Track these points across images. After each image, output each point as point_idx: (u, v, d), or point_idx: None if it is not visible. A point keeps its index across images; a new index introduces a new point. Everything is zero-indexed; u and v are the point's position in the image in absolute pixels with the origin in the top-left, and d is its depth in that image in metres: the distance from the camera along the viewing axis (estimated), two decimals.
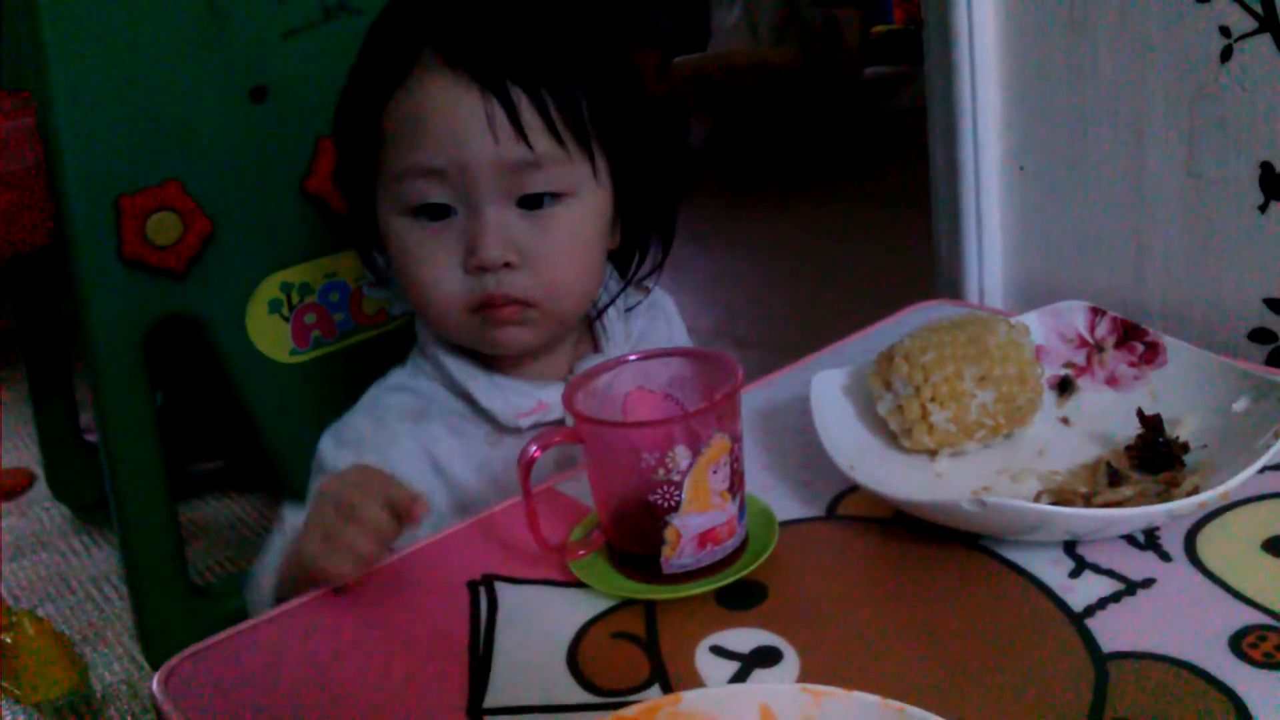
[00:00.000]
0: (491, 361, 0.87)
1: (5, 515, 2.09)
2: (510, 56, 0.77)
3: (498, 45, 0.78)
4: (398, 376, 0.91)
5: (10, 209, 1.27)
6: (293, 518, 0.77)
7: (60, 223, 1.26)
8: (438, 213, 0.80)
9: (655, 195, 0.88)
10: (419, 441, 0.86)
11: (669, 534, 0.65)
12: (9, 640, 1.52)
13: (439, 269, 0.81)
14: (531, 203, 0.80)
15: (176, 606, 1.43)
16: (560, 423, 0.85)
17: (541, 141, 0.78)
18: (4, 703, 1.53)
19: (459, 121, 0.77)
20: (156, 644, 1.44)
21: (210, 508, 2.01)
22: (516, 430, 0.86)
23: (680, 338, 0.99)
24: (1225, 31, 0.90)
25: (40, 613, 1.67)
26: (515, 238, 0.79)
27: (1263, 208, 0.93)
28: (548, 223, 0.80)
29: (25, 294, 1.91)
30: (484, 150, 0.77)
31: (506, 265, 0.79)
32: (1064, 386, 0.82)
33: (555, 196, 0.80)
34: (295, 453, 1.40)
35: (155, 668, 0.66)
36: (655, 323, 0.95)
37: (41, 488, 2.12)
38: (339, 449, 0.86)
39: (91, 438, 1.93)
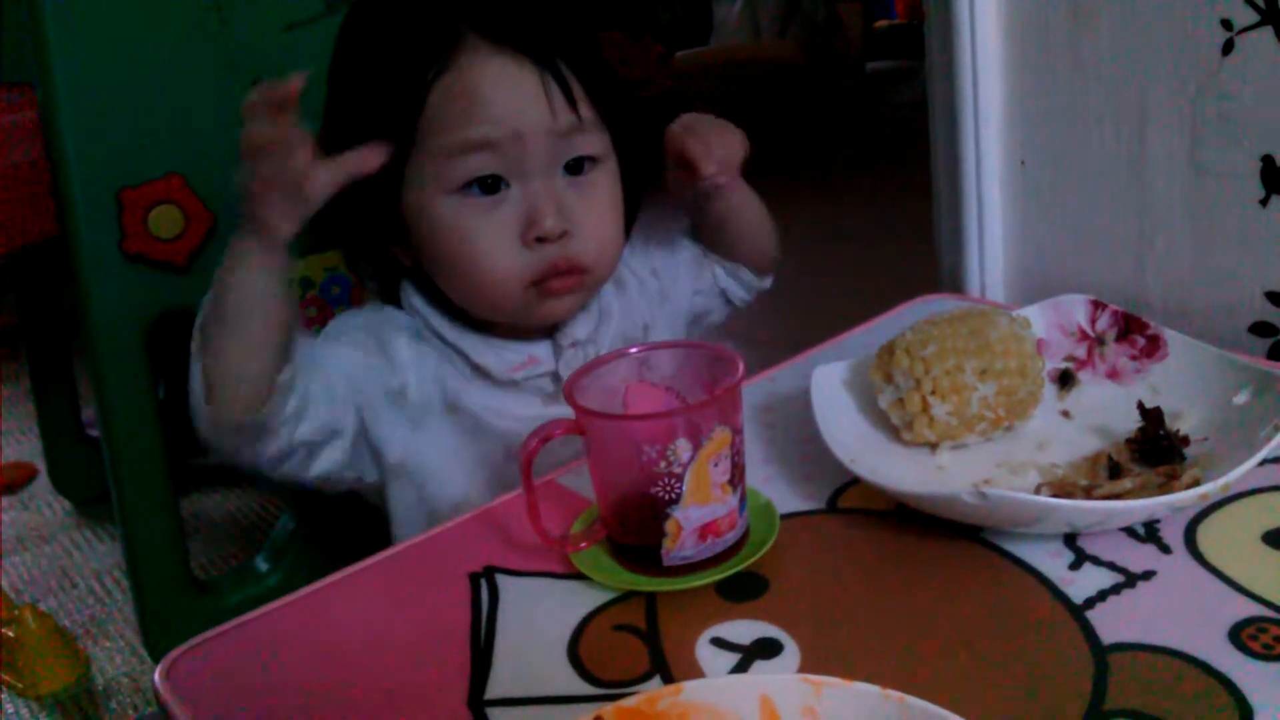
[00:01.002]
0: (480, 325, 0.89)
1: (7, 509, 2.09)
2: (552, 33, 0.82)
3: (539, 23, 0.82)
4: (379, 307, 0.92)
5: (12, 202, 1.27)
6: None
7: (62, 216, 1.26)
8: (489, 187, 0.81)
9: (636, 160, 0.91)
10: (418, 352, 0.88)
11: (670, 526, 0.65)
12: (11, 634, 1.52)
13: (496, 243, 0.82)
14: (574, 168, 0.83)
15: (178, 600, 1.43)
16: (553, 375, 0.89)
17: (583, 108, 0.82)
18: (6, 696, 1.53)
19: (517, 95, 0.80)
20: (158, 637, 1.44)
21: (212, 502, 2.01)
22: (507, 384, 0.88)
23: (633, 258, 0.98)
24: (1227, 25, 0.90)
25: (42, 606, 1.68)
26: (566, 205, 0.82)
27: (1264, 201, 0.93)
28: (589, 188, 0.84)
29: (27, 288, 1.91)
30: (541, 119, 0.80)
31: (563, 234, 0.82)
32: (1065, 380, 0.82)
33: (593, 161, 0.84)
34: None
35: (157, 661, 0.66)
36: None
37: (43, 481, 2.13)
38: (349, 321, 0.89)
39: (93, 432, 1.94)
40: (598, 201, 0.85)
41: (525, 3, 0.84)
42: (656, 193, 0.93)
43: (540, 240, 0.82)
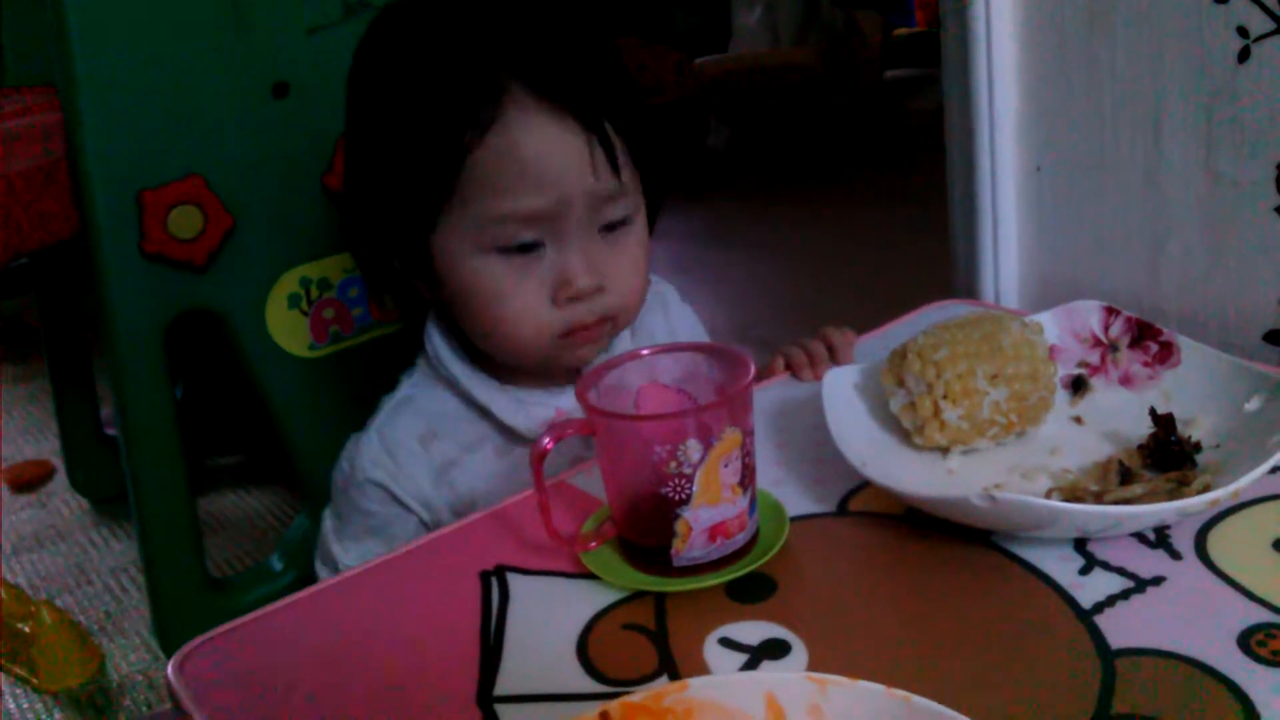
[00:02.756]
0: (505, 375, 0.88)
1: (25, 507, 2.11)
2: (602, 94, 0.79)
3: (588, 80, 0.79)
4: (407, 388, 0.91)
5: (33, 203, 1.28)
6: (341, 556, 0.87)
7: (83, 216, 1.27)
8: (526, 248, 0.80)
9: (659, 199, 0.90)
10: (429, 463, 0.88)
11: (680, 527, 0.66)
12: (28, 630, 1.53)
13: (528, 302, 0.81)
14: (609, 227, 0.82)
15: (193, 599, 1.44)
16: None
17: (625, 171, 0.80)
18: (22, 691, 1.54)
19: (564, 160, 0.78)
20: (173, 635, 1.45)
21: (228, 501, 2.02)
22: (526, 441, 0.87)
23: (682, 326, 1.00)
24: (1243, 32, 0.90)
25: (59, 603, 1.69)
26: (598, 261, 0.81)
27: (1279, 209, 0.93)
28: (621, 244, 0.83)
29: (48, 287, 1.92)
30: (584, 184, 0.79)
31: (596, 290, 0.81)
32: (1077, 385, 0.82)
33: (624, 222, 0.83)
34: (313, 447, 1.41)
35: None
36: (652, 314, 0.96)
37: (62, 480, 2.14)
38: (359, 490, 0.88)
39: (112, 431, 1.95)
40: (629, 256, 0.84)
41: (573, 55, 0.80)
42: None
43: (571, 300, 0.81)
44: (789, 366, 0.94)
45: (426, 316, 0.91)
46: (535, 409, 0.87)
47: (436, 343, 0.89)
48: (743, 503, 0.67)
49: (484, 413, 0.88)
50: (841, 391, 0.81)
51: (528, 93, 0.77)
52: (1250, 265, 0.96)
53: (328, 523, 0.91)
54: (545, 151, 0.77)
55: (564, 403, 0.88)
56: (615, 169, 0.79)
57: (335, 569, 0.88)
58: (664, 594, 0.67)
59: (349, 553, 0.88)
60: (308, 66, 1.33)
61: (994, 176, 1.10)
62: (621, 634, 0.64)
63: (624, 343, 0.91)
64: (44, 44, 1.26)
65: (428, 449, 0.88)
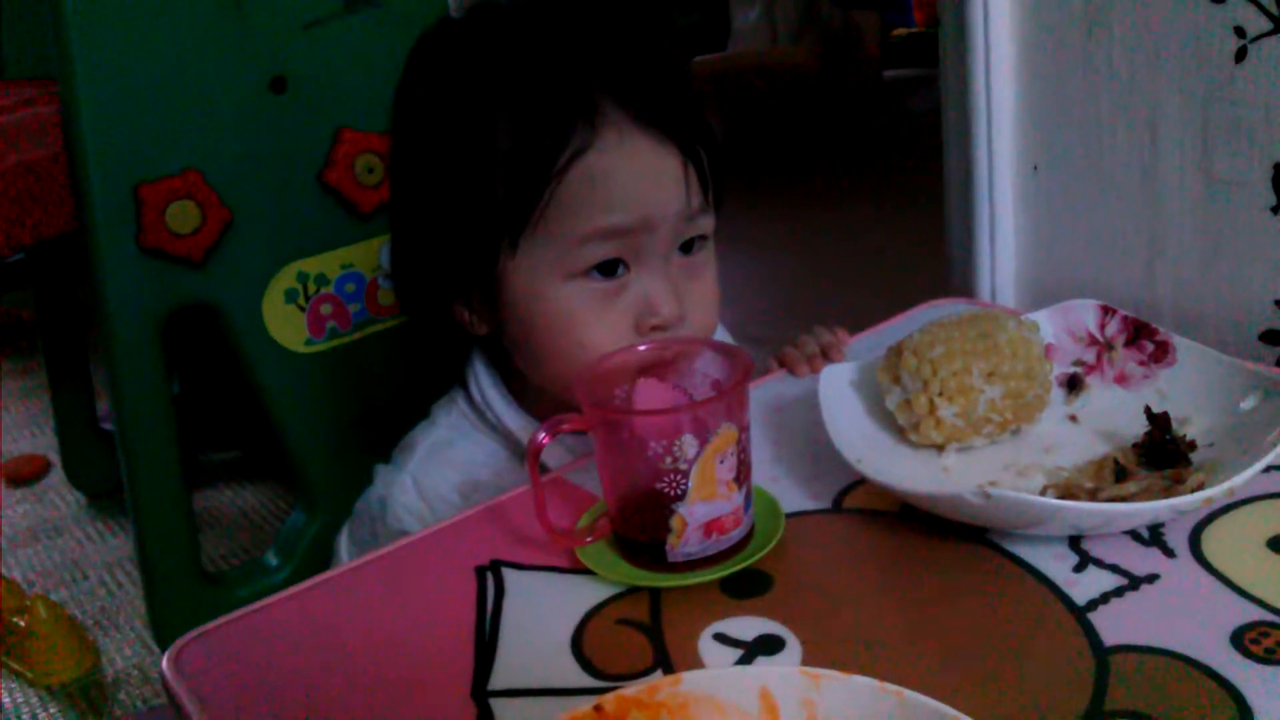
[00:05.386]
0: (535, 407, 0.86)
1: (21, 501, 2.11)
2: (694, 116, 0.78)
3: (684, 105, 0.77)
4: (445, 429, 0.88)
5: (30, 196, 1.28)
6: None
7: (80, 210, 1.27)
8: (607, 269, 0.77)
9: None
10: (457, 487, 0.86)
11: (675, 522, 0.66)
12: (22, 624, 1.53)
13: (609, 330, 0.78)
14: (686, 247, 0.80)
15: (188, 594, 1.44)
16: None
17: (711, 189, 0.79)
18: (16, 685, 1.54)
19: (660, 183, 0.76)
20: (168, 630, 1.45)
21: (224, 497, 2.02)
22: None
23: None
24: (1240, 32, 0.90)
25: (54, 597, 1.69)
26: (681, 291, 0.79)
27: (1275, 209, 0.93)
28: (700, 268, 0.82)
29: (44, 281, 1.92)
30: (677, 206, 0.77)
31: (678, 319, 0.79)
32: (1073, 384, 0.83)
33: (702, 240, 0.82)
34: (310, 443, 1.41)
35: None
36: None
37: (57, 474, 2.14)
38: (390, 536, 0.84)
39: (107, 425, 1.95)
40: (708, 282, 0.82)
41: (664, 76, 0.78)
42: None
43: (654, 329, 0.78)
44: (782, 364, 0.94)
45: (470, 353, 0.88)
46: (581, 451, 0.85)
47: (484, 384, 0.86)
48: (738, 499, 0.67)
49: (500, 434, 0.86)
50: (837, 388, 0.81)
51: (623, 114, 0.75)
52: (1246, 265, 0.96)
53: (344, 549, 0.88)
54: (643, 173, 0.75)
55: None
56: (705, 190, 0.78)
57: None
58: (659, 589, 0.67)
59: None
60: (306, 61, 1.33)
61: (991, 176, 1.10)
62: (616, 629, 0.64)
63: None
64: (42, 37, 1.26)
65: (467, 501, 0.85)
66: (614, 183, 0.74)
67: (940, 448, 0.78)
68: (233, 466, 2.10)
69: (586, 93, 0.74)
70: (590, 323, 0.78)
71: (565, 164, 0.74)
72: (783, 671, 0.46)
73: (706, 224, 0.81)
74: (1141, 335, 0.82)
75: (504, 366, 0.87)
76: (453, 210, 0.79)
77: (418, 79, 0.81)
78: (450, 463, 0.87)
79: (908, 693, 0.44)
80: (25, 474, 2.19)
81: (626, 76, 0.75)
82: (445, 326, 0.84)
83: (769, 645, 0.61)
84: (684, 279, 0.80)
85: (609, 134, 0.74)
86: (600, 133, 0.74)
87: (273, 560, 1.53)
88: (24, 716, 1.49)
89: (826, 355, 0.92)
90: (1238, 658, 0.56)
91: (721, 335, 1.04)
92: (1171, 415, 0.73)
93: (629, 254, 0.77)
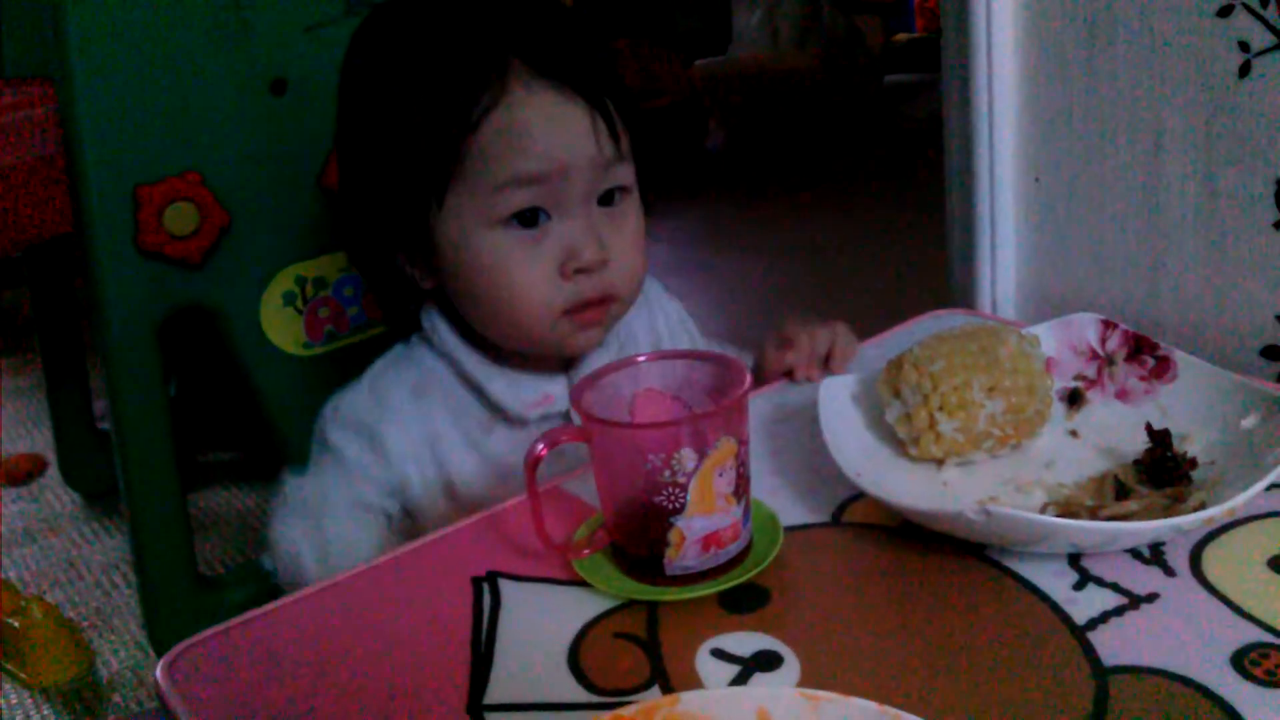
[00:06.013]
0: (502, 357, 0.89)
1: (17, 500, 2.10)
2: (597, 69, 0.83)
3: (588, 57, 0.83)
4: (400, 349, 0.92)
5: (28, 196, 1.27)
6: (294, 489, 0.87)
7: (78, 211, 1.27)
8: (528, 220, 0.81)
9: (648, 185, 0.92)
10: (419, 418, 0.88)
11: (673, 536, 0.65)
12: (17, 624, 1.52)
13: (535, 275, 0.82)
14: (606, 199, 0.84)
15: (184, 596, 1.44)
16: (566, 414, 0.88)
17: (623, 140, 0.83)
18: (11, 686, 1.54)
19: (569, 130, 0.80)
20: (163, 632, 1.45)
21: (220, 499, 2.02)
22: (519, 422, 0.88)
23: (666, 321, 1.00)
24: (1244, 46, 0.90)
25: (49, 598, 1.68)
26: (602, 235, 0.83)
27: (1278, 224, 0.93)
28: (621, 218, 0.85)
29: (42, 281, 1.92)
30: (588, 153, 0.81)
31: (602, 264, 0.83)
32: (1073, 399, 0.82)
33: (624, 191, 0.85)
34: (306, 446, 1.40)
35: (161, 655, 0.66)
36: (635, 313, 0.95)
37: (53, 474, 2.14)
38: (341, 430, 0.89)
39: (104, 425, 1.95)
40: (630, 230, 0.85)
41: (571, 35, 0.84)
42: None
43: (579, 271, 0.82)
44: (784, 349, 0.94)
45: (420, 311, 0.91)
46: (526, 391, 0.88)
47: (435, 320, 0.90)
48: (737, 512, 0.67)
49: (472, 388, 0.89)
50: (837, 401, 0.80)
51: (530, 71, 0.80)
52: (1248, 280, 0.96)
53: (279, 531, 0.90)
54: (550, 121, 0.80)
55: (554, 388, 0.89)
56: (615, 137, 0.82)
57: (283, 511, 0.89)
58: (656, 603, 0.66)
59: (304, 487, 0.89)
60: (307, 64, 1.33)
61: (992, 186, 1.10)
62: (613, 643, 0.64)
63: (611, 342, 0.91)
64: (42, 37, 1.26)
65: (417, 402, 0.88)
66: (523, 132, 0.79)
67: (940, 462, 0.77)
68: (229, 469, 2.09)
69: (495, 53, 0.80)
70: (515, 267, 0.82)
71: (478, 118, 0.79)
72: (782, 693, 0.46)
73: (624, 174, 0.85)
74: (1143, 350, 0.82)
75: (458, 320, 0.90)
76: (384, 169, 0.84)
77: (356, 46, 0.88)
78: (403, 366, 0.91)
79: (907, 716, 0.43)
80: (21, 473, 2.19)
81: (532, 36, 0.81)
82: (395, 281, 0.89)
83: (766, 661, 0.61)
84: (606, 226, 0.84)
85: (517, 89, 0.79)
86: (509, 88, 0.79)
87: (268, 564, 1.52)
88: (18, 718, 1.49)
89: (830, 364, 0.92)
90: (1238, 680, 0.56)
91: (717, 340, 1.04)
92: (1172, 432, 0.73)
93: (548, 202, 0.81)
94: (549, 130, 0.80)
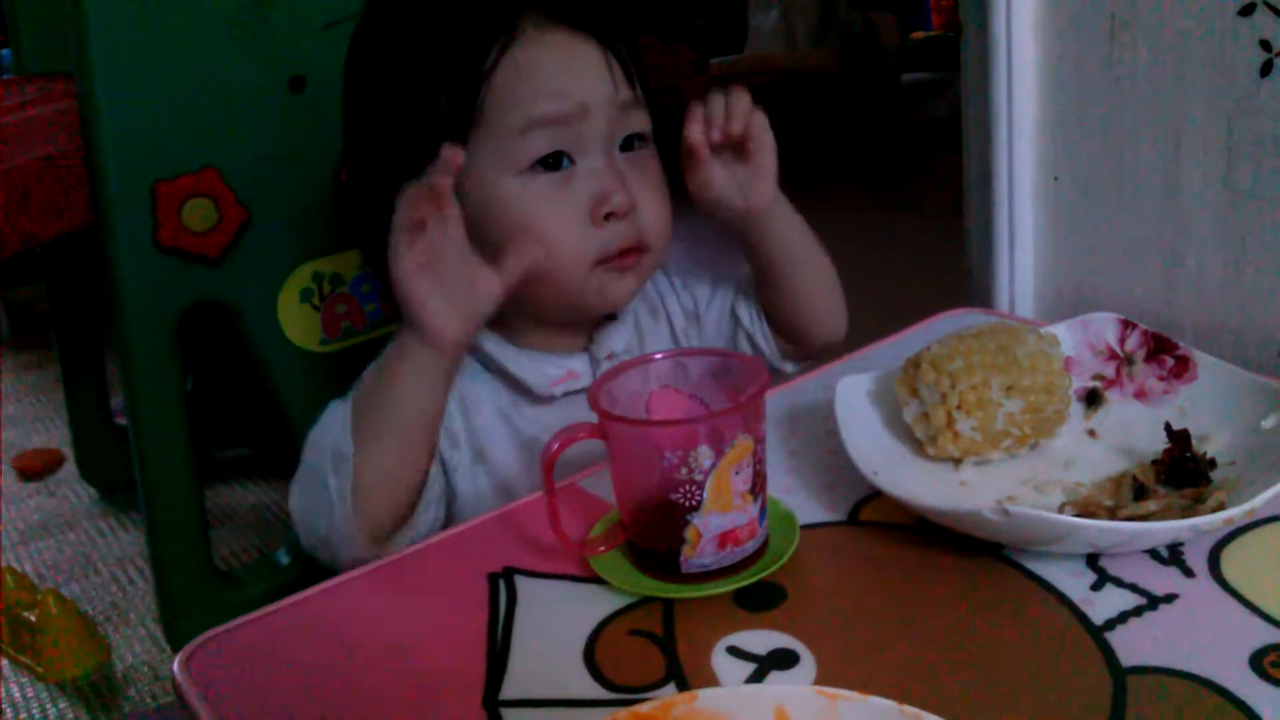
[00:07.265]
0: (521, 339, 0.89)
1: (34, 495, 2.11)
2: (609, 13, 0.84)
3: (602, 5, 0.84)
4: None
5: (48, 192, 1.28)
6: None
7: (97, 207, 1.28)
8: (552, 164, 0.82)
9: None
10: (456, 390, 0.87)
11: (689, 533, 0.65)
12: (33, 618, 1.53)
13: (566, 222, 0.82)
14: (626, 145, 0.85)
15: (199, 591, 1.45)
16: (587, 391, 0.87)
17: (637, 84, 0.84)
18: (26, 680, 1.55)
19: (583, 69, 0.82)
20: (178, 627, 1.45)
21: (236, 494, 2.03)
22: (546, 399, 0.88)
23: (675, 292, 0.99)
24: (1266, 45, 0.89)
25: (65, 592, 1.69)
26: (629, 181, 0.83)
27: None
28: (642, 165, 0.86)
29: (60, 277, 1.92)
30: (605, 92, 0.82)
31: (631, 209, 0.83)
32: (1092, 398, 0.82)
33: (643, 139, 0.86)
34: None
35: (176, 650, 0.66)
36: (646, 285, 0.94)
37: (70, 468, 2.15)
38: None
39: (121, 420, 1.95)
40: (653, 177, 0.86)
41: None
42: (709, 231, 0.92)
43: (608, 217, 0.82)
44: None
45: None
46: (547, 367, 0.88)
47: None
48: (753, 510, 0.67)
49: (496, 371, 0.89)
50: (854, 400, 0.80)
51: (541, 15, 0.81)
52: (1268, 280, 0.95)
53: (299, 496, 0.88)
54: (564, 60, 0.81)
55: (576, 365, 0.89)
56: (630, 80, 0.83)
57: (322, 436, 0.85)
58: (672, 600, 0.66)
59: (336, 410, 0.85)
60: (325, 61, 1.33)
61: (1011, 185, 1.10)
62: (629, 640, 0.64)
63: (629, 314, 0.91)
64: (62, 34, 1.27)
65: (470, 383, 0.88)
66: (539, 73, 0.80)
67: (958, 461, 0.77)
68: (245, 464, 2.10)
69: (509, 13, 0.81)
70: (544, 214, 0.81)
71: (493, 63, 0.80)
72: (799, 690, 0.46)
73: (642, 121, 0.86)
74: (1162, 350, 0.81)
75: None
76: (402, 130, 0.84)
77: (366, 23, 0.89)
78: None
79: (926, 716, 0.43)
80: (38, 467, 2.20)
81: None
82: None
83: (783, 659, 0.61)
84: (631, 173, 0.84)
85: (530, 31, 0.81)
86: (521, 31, 0.81)
87: (284, 558, 1.53)
88: (34, 711, 1.50)
89: (746, 155, 0.88)
90: (1257, 681, 0.56)
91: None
92: (1191, 432, 0.73)
93: (570, 145, 0.82)
94: (565, 69, 0.81)
